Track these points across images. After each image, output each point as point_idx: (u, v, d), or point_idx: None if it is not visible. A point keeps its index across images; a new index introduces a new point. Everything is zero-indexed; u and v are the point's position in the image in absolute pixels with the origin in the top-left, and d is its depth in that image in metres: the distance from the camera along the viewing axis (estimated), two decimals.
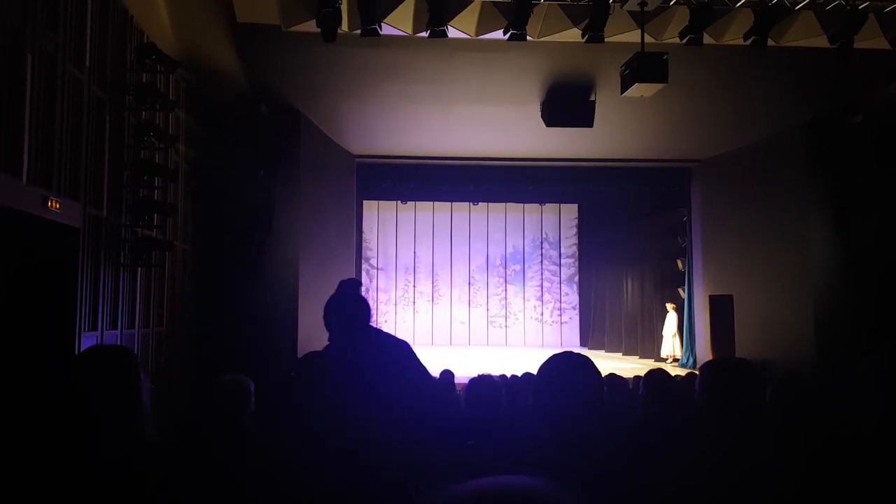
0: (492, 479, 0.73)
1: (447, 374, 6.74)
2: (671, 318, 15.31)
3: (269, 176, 11.34)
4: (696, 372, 9.99)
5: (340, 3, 8.62)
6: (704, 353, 14.19)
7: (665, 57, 8.29)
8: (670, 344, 15.25)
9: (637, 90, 8.52)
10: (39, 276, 6.24)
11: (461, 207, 20.00)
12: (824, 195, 11.59)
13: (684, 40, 8.59)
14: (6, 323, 5.77)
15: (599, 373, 2.20)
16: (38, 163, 6.00)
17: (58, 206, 6.13)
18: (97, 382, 1.80)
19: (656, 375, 3.71)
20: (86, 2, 6.98)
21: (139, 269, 8.27)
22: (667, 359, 14.94)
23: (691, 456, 2.20)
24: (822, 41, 8.92)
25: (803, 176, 11.77)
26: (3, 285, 5.92)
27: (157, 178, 8.50)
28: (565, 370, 2.14)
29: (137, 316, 8.27)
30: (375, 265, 19.79)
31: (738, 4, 8.52)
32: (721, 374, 2.49)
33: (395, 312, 19.12)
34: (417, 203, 19.62)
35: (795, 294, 11.82)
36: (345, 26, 9.08)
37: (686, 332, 14.80)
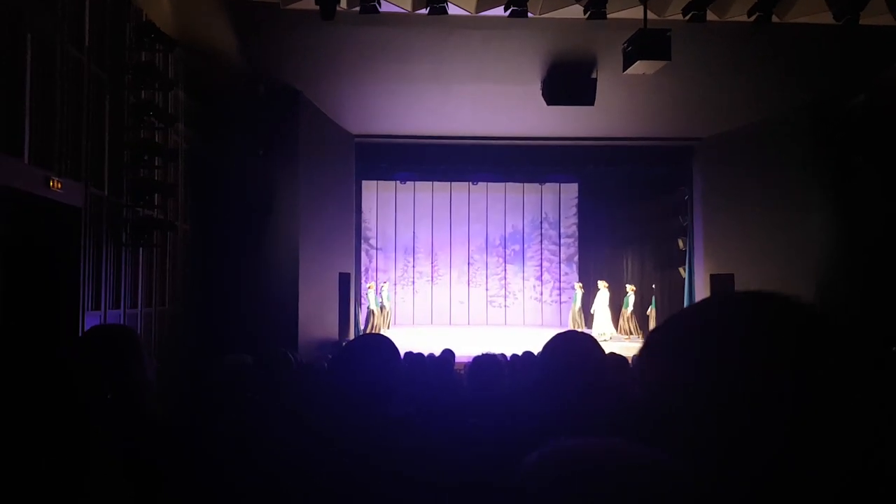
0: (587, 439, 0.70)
1: (447, 354, 6.77)
2: (602, 296, 15.67)
3: (268, 156, 11.32)
4: None
5: None
6: None
7: (668, 34, 8.23)
8: (603, 321, 15.51)
9: (639, 67, 8.48)
10: (43, 255, 6.26)
11: (460, 187, 19.96)
12: (827, 174, 11.59)
13: (687, 17, 8.53)
14: (11, 303, 5.79)
15: (603, 351, 2.22)
16: (39, 143, 5.99)
17: (59, 185, 6.13)
18: (100, 362, 1.82)
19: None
20: None
21: (140, 248, 8.28)
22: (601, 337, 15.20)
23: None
24: (827, 17, 8.85)
25: (806, 155, 11.76)
26: (6, 265, 5.94)
27: (156, 158, 8.48)
28: (569, 349, 2.15)
29: (140, 295, 8.30)
30: (375, 245, 19.81)
31: None
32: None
33: (395, 292, 19.15)
34: (416, 183, 19.60)
35: (797, 273, 11.84)
36: (343, 3, 9.01)
37: None
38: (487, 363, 4.31)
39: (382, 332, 15.78)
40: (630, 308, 15.76)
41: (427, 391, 4.69)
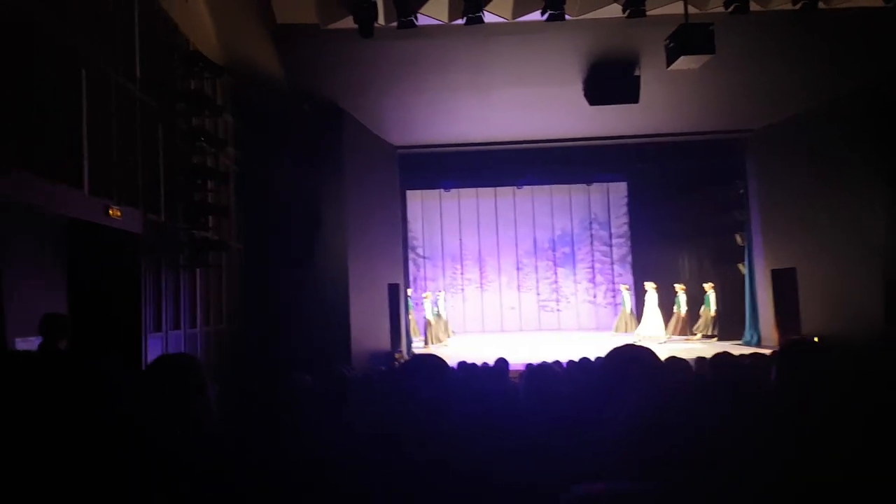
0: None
1: (501, 363, 6.73)
2: (651, 298, 15.20)
3: (314, 171, 11.52)
4: (761, 351, 9.77)
5: None
6: (768, 329, 13.81)
7: (711, 27, 8.05)
8: (654, 324, 15.04)
9: (683, 63, 8.31)
10: (105, 281, 6.50)
11: (505, 192, 19.89)
12: (887, 159, 11.09)
13: (730, 9, 8.33)
14: (77, 330, 6.03)
15: (663, 366, 2.17)
16: (98, 173, 6.23)
17: (119, 213, 6.36)
18: (166, 397, 1.86)
19: (723, 360, 3.63)
20: (133, 15, 7.18)
21: (197, 269, 8.52)
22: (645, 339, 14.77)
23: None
24: (875, 0, 8.52)
25: (864, 140, 11.27)
26: (71, 292, 6.19)
27: (209, 182, 8.73)
28: (629, 373, 2.10)
29: (199, 315, 8.54)
30: (422, 254, 19.90)
31: None
32: (799, 358, 2.41)
33: (444, 300, 19.23)
34: (461, 190, 19.62)
35: (862, 265, 11.34)
36: (381, 20, 9.12)
37: (748, 308, 14.40)
38: (542, 374, 4.26)
39: (441, 340, 15.87)
40: (683, 308, 15.37)
41: (482, 404, 4.67)
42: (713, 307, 15.14)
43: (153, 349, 6.93)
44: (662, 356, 5.59)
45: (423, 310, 16.11)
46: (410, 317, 16.11)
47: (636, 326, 15.99)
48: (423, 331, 16.03)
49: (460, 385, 5.35)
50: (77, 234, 6.11)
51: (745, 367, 3.70)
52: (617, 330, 16.63)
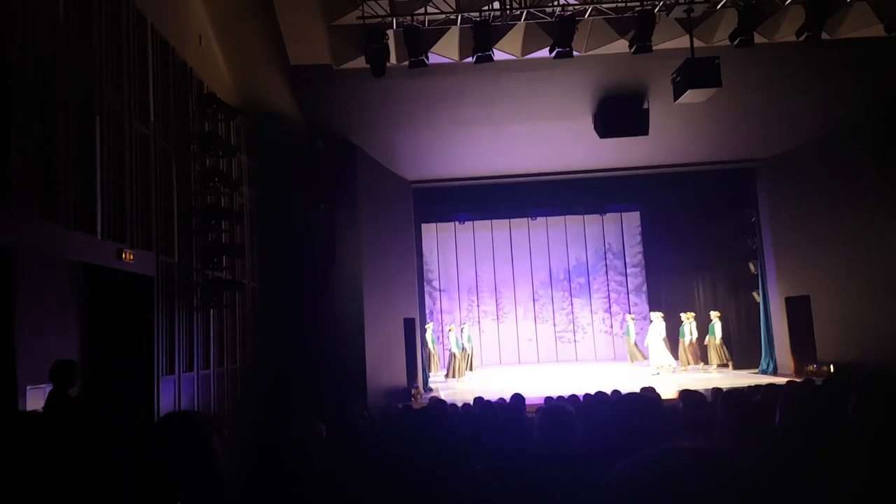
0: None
1: (517, 400, 6.66)
2: (655, 328, 15.00)
3: (329, 209, 11.63)
4: (777, 380, 9.62)
5: (388, 39, 8.81)
6: (785, 357, 13.61)
7: (717, 61, 8.10)
8: (660, 353, 14.80)
9: (690, 96, 8.35)
10: (118, 324, 6.56)
11: (519, 224, 19.90)
12: None
13: (735, 42, 8.37)
14: (89, 374, 6.07)
15: (665, 413, 2.16)
16: (111, 217, 6.34)
17: (132, 257, 6.45)
18: (173, 451, 1.87)
19: (734, 400, 3.57)
20: (147, 60, 7.36)
21: (211, 310, 8.58)
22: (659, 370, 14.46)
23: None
24: (878, 30, 8.54)
25: (874, 167, 11.22)
26: (84, 336, 6.25)
27: (223, 222, 8.83)
28: (634, 424, 2.11)
29: (212, 356, 8.57)
30: (438, 287, 19.89)
31: (788, 2, 8.26)
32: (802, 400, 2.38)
33: (469, 333, 19.14)
34: (475, 223, 19.66)
35: (876, 291, 11.21)
36: (393, 59, 9.27)
37: (764, 336, 14.24)
38: (556, 413, 4.22)
39: (463, 374, 15.76)
40: (688, 336, 15.14)
41: (498, 442, 4.62)
42: (718, 335, 14.93)
43: (165, 392, 6.96)
44: (673, 387, 5.48)
45: (449, 343, 16.02)
46: (433, 350, 16.16)
47: (640, 356, 15.95)
48: (445, 364, 15.91)
49: (474, 426, 5.31)
50: (90, 278, 6.19)
51: (755, 406, 3.62)
52: (633, 359, 16.46)
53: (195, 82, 8.76)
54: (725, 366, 14.80)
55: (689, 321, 15.11)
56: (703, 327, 15.12)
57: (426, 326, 17.36)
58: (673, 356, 14.99)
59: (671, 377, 13.98)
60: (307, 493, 2.96)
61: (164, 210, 7.53)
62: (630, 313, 17.78)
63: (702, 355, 15.09)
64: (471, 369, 16.61)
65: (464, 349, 16.34)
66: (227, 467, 2.18)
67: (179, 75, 8.31)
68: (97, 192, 6.10)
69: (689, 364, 14.89)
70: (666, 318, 15.46)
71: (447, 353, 16.06)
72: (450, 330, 16.43)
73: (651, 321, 15.48)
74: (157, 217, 7.29)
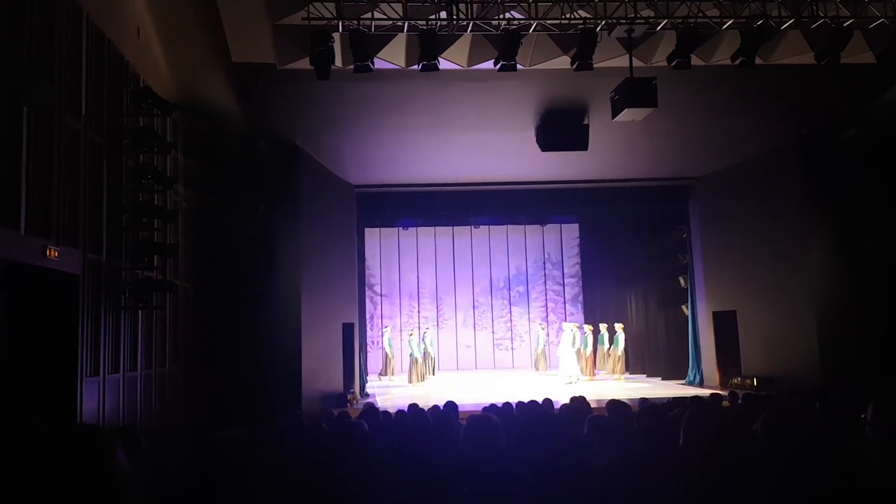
0: None
1: (450, 408, 6.71)
2: (566, 338, 15.54)
3: (269, 211, 11.44)
4: (701, 392, 10.06)
5: (333, 42, 8.73)
6: (711, 370, 14.13)
7: (654, 81, 8.35)
8: (568, 363, 15.23)
9: (627, 115, 8.58)
10: (40, 324, 6.30)
11: (462, 231, 20.05)
12: (822, 208, 11.60)
13: (672, 64, 8.66)
14: (6, 375, 5.81)
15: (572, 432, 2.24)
16: (36, 213, 6.09)
17: (56, 254, 6.21)
18: (70, 475, 1.74)
19: (648, 414, 3.71)
20: (81, 52, 7.11)
21: (140, 310, 8.32)
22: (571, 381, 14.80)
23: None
24: (809, 58, 8.98)
25: (800, 190, 11.79)
26: (4, 336, 5.97)
27: (156, 220, 8.58)
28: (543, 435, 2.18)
29: (140, 358, 8.31)
30: (379, 292, 19.82)
31: (725, 27, 8.59)
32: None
33: (401, 339, 19.11)
34: (419, 229, 19.70)
35: (798, 308, 11.77)
36: (339, 62, 9.20)
37: (691, 348, 14.76)
38: (481, 425, 4.28)
39: (426, 378, 15.77)
40: (606, 346, 15.96)
41: (428, 451, 4.64)
42: (621, 346, 15.72)
43: (89, 393, 6.71)
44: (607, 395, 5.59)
45: (410, 348, 16.00)
46: (390, 354, 16.44)
47: (544, 365, 17.14)
48: (408, 369, 15.87)
49: (400, 435, 5.31)
50: (12, 276, 5.93)
51: (669, 421, 3.76)
52: (538, 367, 17.37)
53: (131, 76, 8.50)
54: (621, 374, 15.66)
55: (597, 331, 16.13)
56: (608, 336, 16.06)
57: (384, 330, 17.36)
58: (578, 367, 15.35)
59: (607, 385, 14.35)
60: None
61: (93, 206, 7.26)
62: (541, 323, 18.73)
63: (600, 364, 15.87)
64: (433, 374, 16.68)
65: (426, 354, 16.38)
66: (140, 477, 2.13)
67: (115, 68, 8.04)
68: (22, 186, 5.86)
69: (609, 371, 15.72)
70: (595, 331, 16.21)
71: (409, 359, 16.02)
72: (411, 335, 16.48)
73: (563, 331, 15.99)
74: (85, 213, 7.03)
